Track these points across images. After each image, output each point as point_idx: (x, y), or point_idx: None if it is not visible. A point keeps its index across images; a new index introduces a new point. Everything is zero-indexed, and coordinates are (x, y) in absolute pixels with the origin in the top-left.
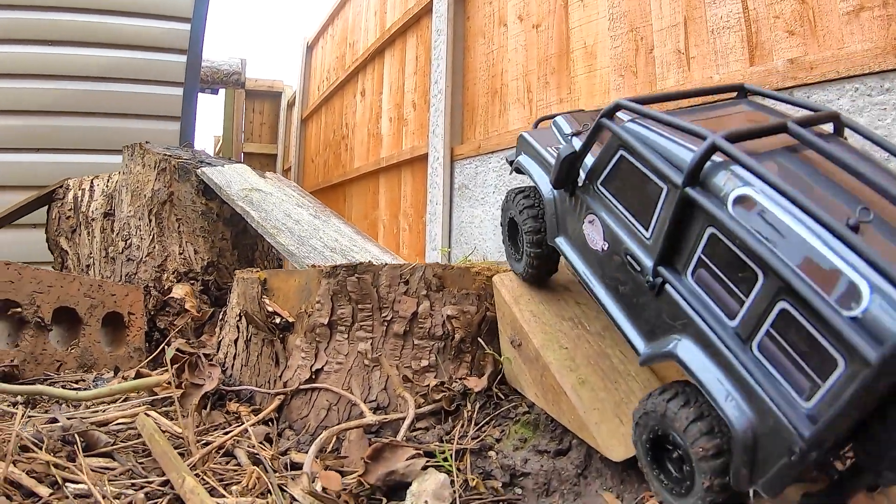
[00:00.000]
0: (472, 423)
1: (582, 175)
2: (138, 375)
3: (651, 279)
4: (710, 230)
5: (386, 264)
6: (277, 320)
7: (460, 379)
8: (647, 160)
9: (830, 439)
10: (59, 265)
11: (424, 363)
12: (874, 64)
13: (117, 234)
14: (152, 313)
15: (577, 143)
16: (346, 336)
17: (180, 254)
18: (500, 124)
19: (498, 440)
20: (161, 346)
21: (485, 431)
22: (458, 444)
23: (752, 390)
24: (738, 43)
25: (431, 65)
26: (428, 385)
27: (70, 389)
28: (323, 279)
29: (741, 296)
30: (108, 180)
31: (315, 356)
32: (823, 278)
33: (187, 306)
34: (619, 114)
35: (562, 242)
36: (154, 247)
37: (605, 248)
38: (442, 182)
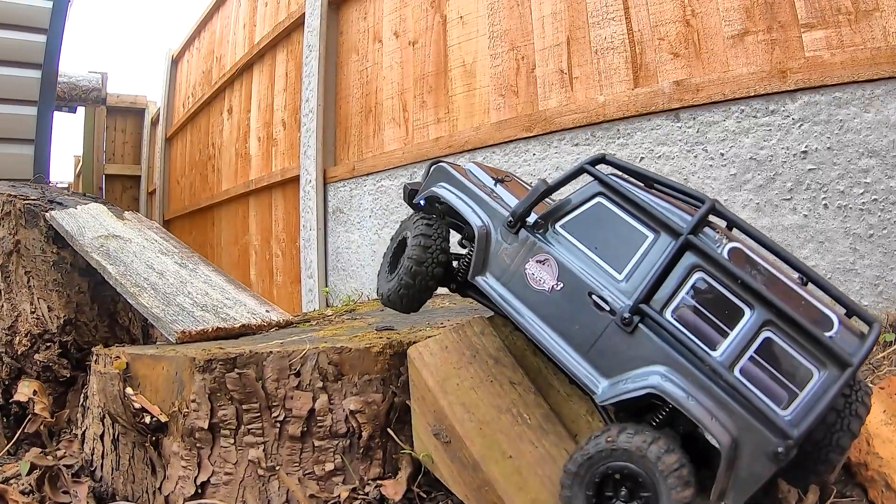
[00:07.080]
0: None
1: (533, 215)
2: None
3: (627, 316)
4: (698, 274)
5: (271, 352)
6: (147, 419)
7: (374, 481)
8: (644, 210)
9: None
10: None
11: (329, 467)
12: (759, 87)
13: None
14: (6, 383)
15: (503, 190)
16: (232, 442)
17: (32, 312)
18: (374, 145)
19: None
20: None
21: None
22: None
23: (733, 409)
24: (622, 64)
25: (302, 82)
26: (338, 495)
27: None
28: (196, 373)
29: (725, 329)
30: None
31: (199, 466)
32: (805, 311)
33: (37, 409)
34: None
35: (487, 281)
36: (2, 305)
37: (558, 287)
38: (315, 206)
